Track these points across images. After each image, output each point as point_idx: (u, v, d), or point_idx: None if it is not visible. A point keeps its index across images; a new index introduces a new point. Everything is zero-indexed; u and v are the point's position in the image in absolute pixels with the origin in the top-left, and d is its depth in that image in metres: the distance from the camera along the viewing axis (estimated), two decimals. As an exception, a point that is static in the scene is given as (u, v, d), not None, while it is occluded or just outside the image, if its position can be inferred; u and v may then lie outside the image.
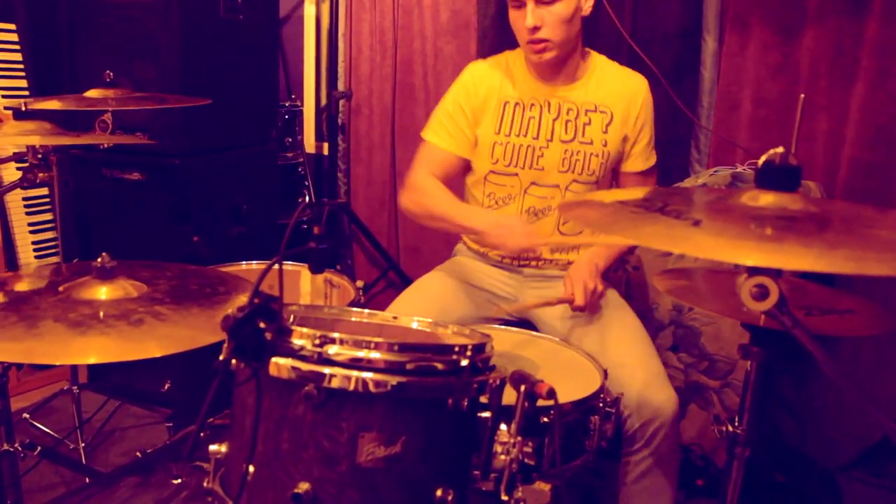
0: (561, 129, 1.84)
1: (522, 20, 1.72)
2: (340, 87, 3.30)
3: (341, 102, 3.28)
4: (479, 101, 1.85)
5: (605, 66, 1.89)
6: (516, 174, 1.86)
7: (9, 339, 1.11)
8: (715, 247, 0.90)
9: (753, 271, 0.93)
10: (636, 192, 1.16)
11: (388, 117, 3.22)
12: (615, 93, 1.86)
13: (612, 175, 1.95)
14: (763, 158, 1.06)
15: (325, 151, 3.39)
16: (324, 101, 3.43)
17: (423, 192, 1.86)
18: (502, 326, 1.80)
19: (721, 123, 2.51)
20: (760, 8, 2.38)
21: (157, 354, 1.09)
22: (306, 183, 3.40)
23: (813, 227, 0.97)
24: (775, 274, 0.93)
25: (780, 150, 1.05)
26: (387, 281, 3.32)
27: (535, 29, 1.71)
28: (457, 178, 1.95)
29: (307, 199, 3.38)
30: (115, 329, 1.15)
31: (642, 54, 2.38)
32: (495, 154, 1.86)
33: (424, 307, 1.80)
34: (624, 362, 1.66)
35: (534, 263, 1.94)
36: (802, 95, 1.26)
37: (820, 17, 2.30)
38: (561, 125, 1.84)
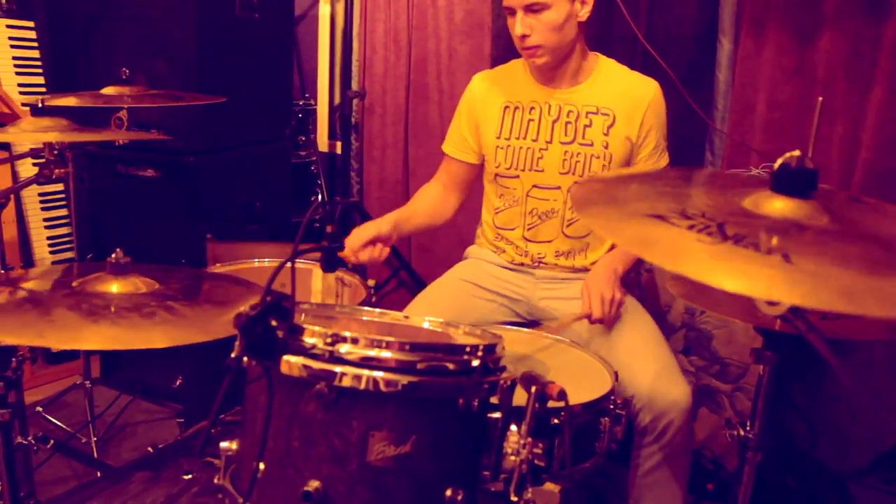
0: (560, 131, 1.85)
1: (514, 27, 1.76)
2: (354, 86, 3.30)
3: (355, 101, 3.29)
4: (480, 110, 1.92)
5: (611, 69, 1.89)
6: (518, 177, 1.89)
7: (22, 324, 1.12)
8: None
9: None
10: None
11: (401, 117, 3.22)
12: (619, 95, 1.85)
13: None
14: (779, 162, 1.05)
15: (339, 150, 3.40)
16: (337, 100, 3.44)
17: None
18: (513, 327, 1.80)
19: (735, 126, 2.49)
20: (776, 10, 2.36)
21: (168, 345, 1.10)
22: (319, 181, 3.40)
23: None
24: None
25: (797, 153, 1.04)
26: (398, 280, 3.32)
27: (525, 37, 1.74)
28: (471, 183, 2.04)
29: (320, 197, 3.39)
30: (128, 320, 1.16)
31: (657, 56, 2.36)
32: (497, 158, 1.89)
33: (438, 312, 1.80)
34: (637, 356, 1.66)
35: (543, 265, 1.93)
36: (820, 98, 1.24)
37: (837, 19, 2.28)
38: (561, 127, 1.85)
